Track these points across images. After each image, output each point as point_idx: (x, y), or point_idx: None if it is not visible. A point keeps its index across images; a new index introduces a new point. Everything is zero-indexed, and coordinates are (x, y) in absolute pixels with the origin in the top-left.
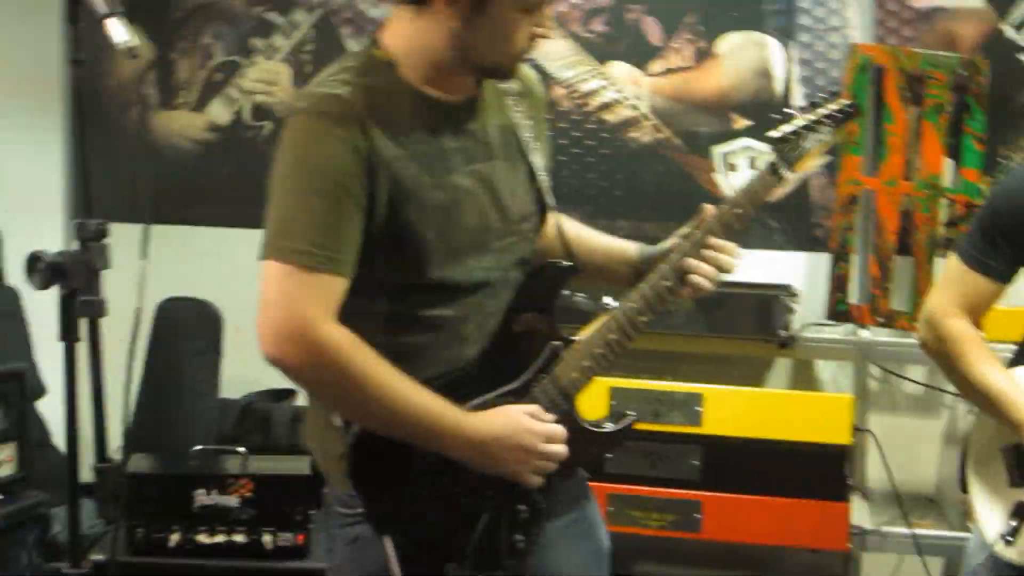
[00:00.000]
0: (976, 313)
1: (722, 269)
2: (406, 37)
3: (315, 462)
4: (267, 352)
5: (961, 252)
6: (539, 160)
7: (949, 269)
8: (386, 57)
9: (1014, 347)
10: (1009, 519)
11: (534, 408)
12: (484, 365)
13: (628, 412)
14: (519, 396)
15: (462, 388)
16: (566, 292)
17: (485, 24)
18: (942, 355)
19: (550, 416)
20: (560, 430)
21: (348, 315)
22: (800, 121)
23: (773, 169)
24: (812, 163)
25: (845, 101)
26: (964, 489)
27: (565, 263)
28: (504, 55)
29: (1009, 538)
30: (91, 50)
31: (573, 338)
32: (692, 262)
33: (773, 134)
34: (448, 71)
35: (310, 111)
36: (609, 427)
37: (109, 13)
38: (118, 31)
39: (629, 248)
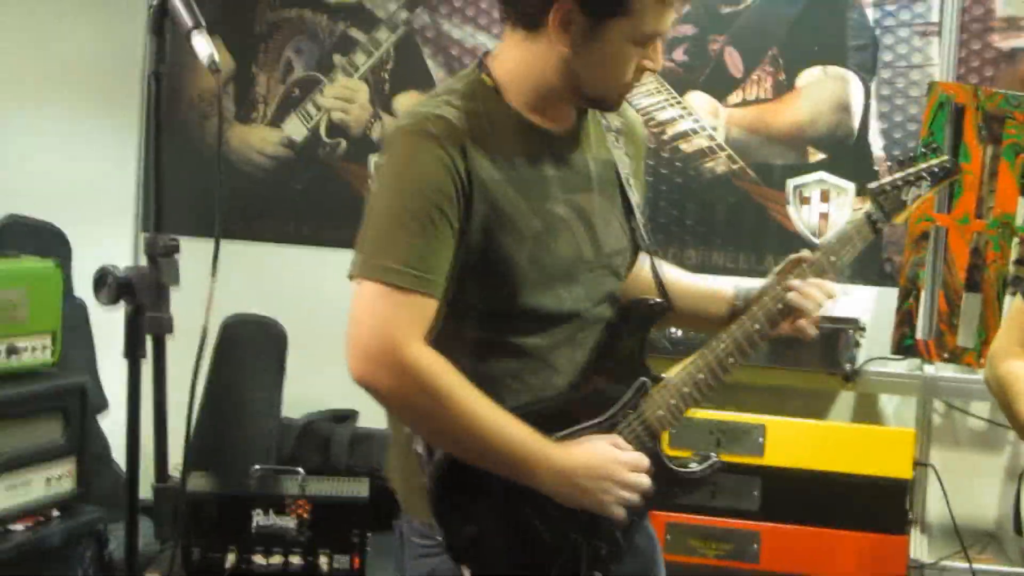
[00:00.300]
0: None
1: (821, 304)
2: (515, 62)
3: (393, 490)
4: (355, 372)
5: (1020, 286)
6: (636, 197)
7: (1012, 309)
8: (492, 82)
9: None
10: None
11: (618, 439)
12: (571, 397)
13: (712, 454)
14: (605, 431)
15: (549, 419)
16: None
17: (596, 52)
18: (999, 396)
19: (631, 449)
20: (644, 460)
21: (438, 339)
22: (900, 174)
23: (869, 219)
24: (907, 216)
25: (945, 157)
26: (1019, 531)
27: (657, 300)
28: (611, 86)
29: None
30: (172, 62)
31: (662, 376)
32: (793, 296)
33: (873, 185)
34: (554, 99)
35: (412, 130)
36: (694, 467)
37: (194, 26)
38: (202, 45)
39: (725, 288)
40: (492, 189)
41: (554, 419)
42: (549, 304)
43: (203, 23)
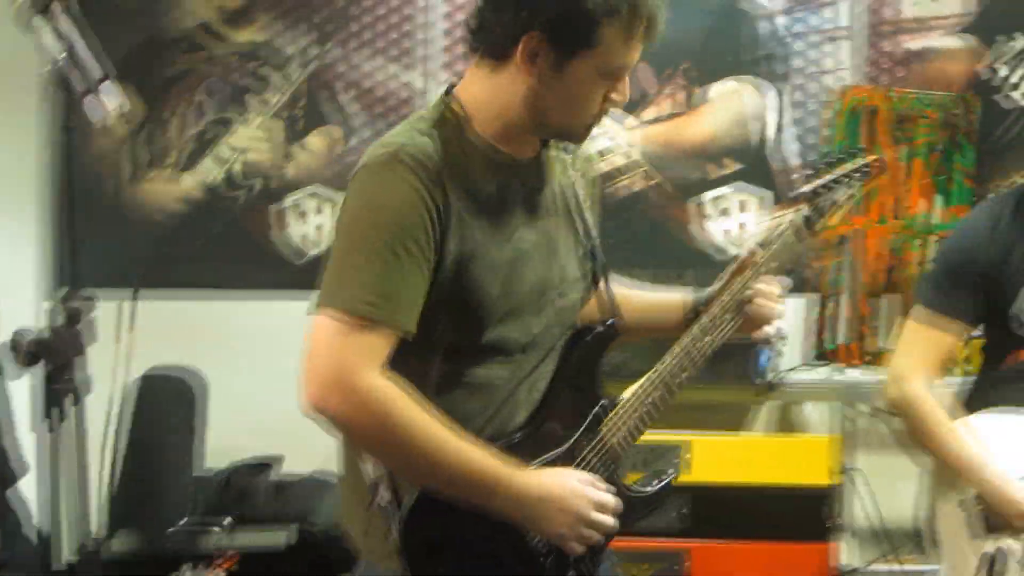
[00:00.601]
0: (941, 365)
1: (774, 310)
2: (482, 93)
3: (349, 536)
4: (310, 400)
5: (925, 300)
6: (592, 220)
7: (911, 326)
8: (461, 112)
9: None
10: (976, 573)
11: (590, 477)
12: (533, 429)
13: (666, 470)
14: (567, 460)
15: (512, 452)
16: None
17: (562, 85)
18: (911, 420)
19: (605, 486)
20: (613, 501)
21: (405, 375)
22: (829, 176)
23: (807, 222)
24: (840, 216)
25: (872, 157)
26: (933, 545)
27: (607, 324)
28: (577, 119)
29: None
30: (79, 116)
31: (617, 398)
32: (754, 307)
33: (805, 188)
34: (520, 129)
35: (386, 160)
36: (652, 488)
37: (102, 77)
38: (110, 94)
39: (676, 298)
40: (465, 220)
41: (519, 452)
42: (515, 335)
43: (110, 73)
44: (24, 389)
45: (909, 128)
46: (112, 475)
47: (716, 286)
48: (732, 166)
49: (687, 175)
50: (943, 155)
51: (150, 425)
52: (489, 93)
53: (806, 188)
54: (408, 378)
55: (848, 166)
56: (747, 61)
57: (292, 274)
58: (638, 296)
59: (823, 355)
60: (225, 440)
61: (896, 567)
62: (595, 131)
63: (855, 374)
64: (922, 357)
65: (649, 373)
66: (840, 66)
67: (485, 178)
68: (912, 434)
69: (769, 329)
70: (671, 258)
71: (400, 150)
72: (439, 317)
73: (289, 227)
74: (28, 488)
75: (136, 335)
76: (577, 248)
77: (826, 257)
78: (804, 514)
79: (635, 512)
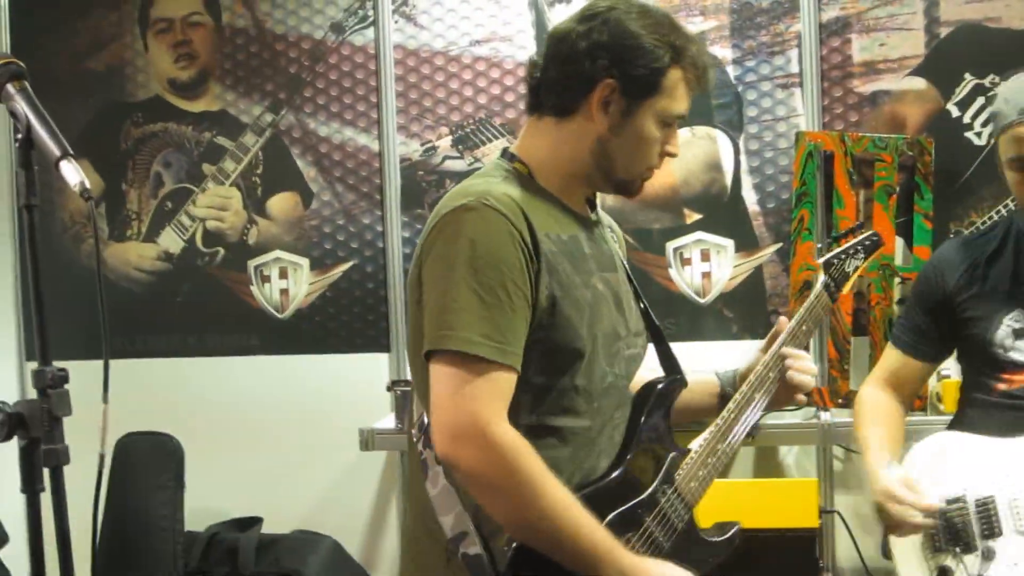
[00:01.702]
0: (903, 389)
1: (812, 375)
2: (544, 148)
3: None
4: (441, 450)
5: (893, 338)
6: (636, 285)
7: (885, 352)
8: (524, 169)
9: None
10: None
11: (687, 572)
12: (616, 477)
13: (733, 521)
14: (648, 507)
15: (599, 499)
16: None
17: (631, 132)
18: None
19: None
20: None
21: None
22: (838, 249)
23: (827, 288)
24: (850, 285)
25: (872, 231)
26: (887, 556)
27: (677, 377)
28: (639, 168)
29: None
30: (41, 187)
31: (687, 448)
32: (792, 374)
33: (822, 259)
34: (578, 184)
35: (474, 206)
36: (725, 535)
37: (62, 156)
38: (71, 174)
39: (710, 378)
40: (552, 260)
41: (604, 499)
42: (596, 379)
43: (70, 151)
44: (12, 455)
45: (866, 172)
46: (95, 539)
47: (751, 358)
48: (692, 216)
49: (649, 226)
50: (901, 197)
51: (131, 489)
52: (553, 147)
53: (823, 259)
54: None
55: (853, 240)
56: (701, 111)
57: (261, 337)
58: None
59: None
60: (203, 505)
61: None
62: None
63: (828, 417)
64: (886, 372)
65: (710, 426)
66: (794, 112)
67: (561, 225)
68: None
69: (802, 397)
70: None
71: (485, 195)
72: (532, 356)
73: (254, 293)
74: (13, 559)
75: (110, 403)
76: (635, 306)
77: (793, 302)
78: (792, 556)
79: (710, 559)
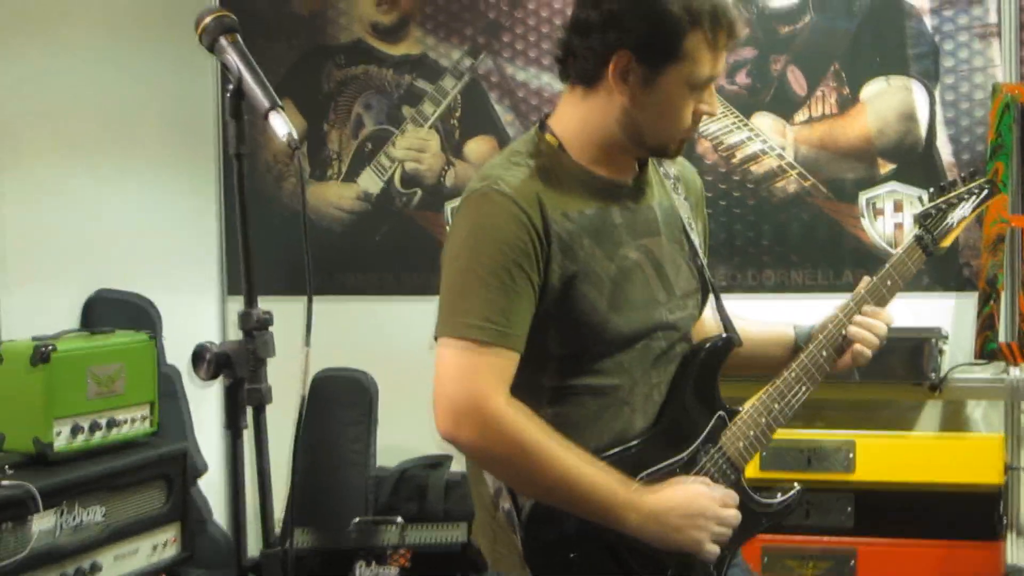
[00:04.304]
0: None
1: (878, 336)
2: (575, 119)
3: (478, 550)
4: (443, 428)
5: None
6: (698, 240)
7: None
8: (555, 141)
9: None
10: None
11: (705, 479)
12: (652, 436)
13: (794, 485)
14: (688, 467)
15: (632, 459)
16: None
17: (654, 100)
18: None
19: (722, 489)
20: (733, 495)
21: (519, 388)
22: (941, 199)
23: (920, 242)
24: (954, 238)
25: (983, 180)
26: None
27: (727, 336)
28: (671, 133)
29: None
30: (248, 143)
31: (738, 408)
32: (852, 329)
33: (918, 211)
34: (616, 151)
35: (484, 190)
36: (778, 499)
37: (271, 107)
38: (280, 125)
39: (785, 330)
40: (568, 239)
41: (638, 459)
42: (627, 346)
43: (279, 103)
44: (204, 393)
45: None
46: (292, 476)
47: (828, 315)
48: (886, 166)
49: (842, 176)
50: None
51: (325, 425)
52: (583, 118)
53: (919, 211)
54: (523, 389)
55: (961, 188)
56: (897, 61)
57: None
58: (749, 326)
59: (987, 354)
60: (395, 442)
61: None
62: (746, 135)
63: (1018, 373)
64: None
65: (768, 386)
66: (991, 64)
67: (585, 200)
68: None
69: (861, 350)
70: (828, 259)
71: (497, 180)
72: (550, 332)
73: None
74: (208, 488)
75: (311, 351)
76: (686, 266)
77: (986, 255)
78: (974, 514)
79: (758, 523)
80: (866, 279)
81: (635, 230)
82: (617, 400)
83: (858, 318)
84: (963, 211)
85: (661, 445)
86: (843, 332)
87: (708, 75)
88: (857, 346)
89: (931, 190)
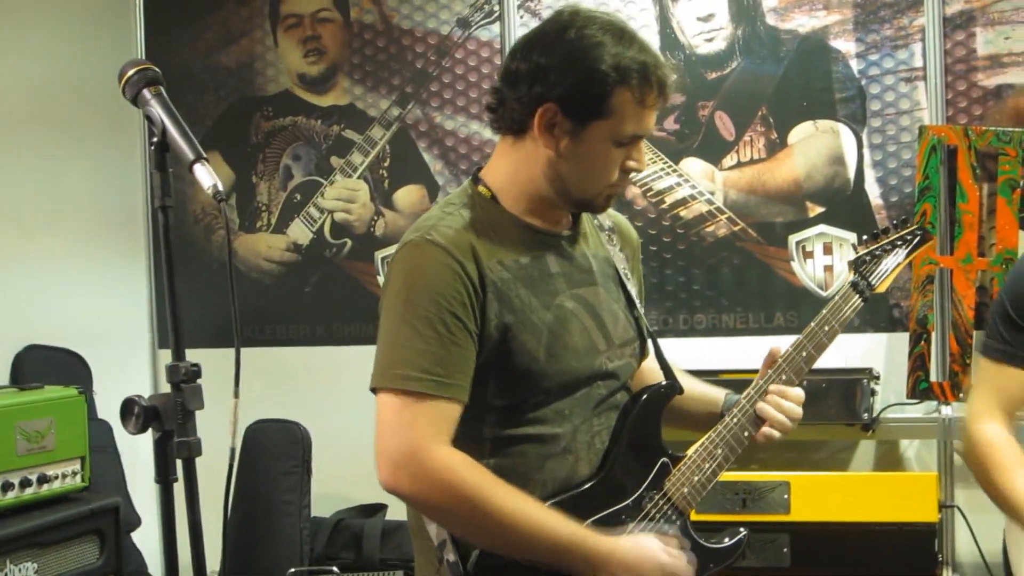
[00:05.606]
0: (1010, 407)
1: (791, 418)
2: (506, 170)
3: None
4: (384, 481)
5: (987, 350)
6: (635, 291)
7: (981, 369)
8: (488, 192)
9: None
10: None
11: (672, 541)
12: (597, 483)
13: (740, 529)
14: (633, 513)
15: (578, 506)
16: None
17: (579, 154)
18: (974, 464)
19: (677, 551)
20: (682, 540)
21: (461, 440)
22: (875, 245)
23: (855, 288)
24: (888, 283)
25: (915, 226)
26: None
27: (668, 383)
28: (596, 187)
29: None
30: (173, 183)
31: (680, 454)
32: (761, 406)
33: (852, 257)
34: (545, 203)
35: (418, 241)
36: (726, 543)
37: (196, 159)
38: (205, 177)
39: (717, 395)
40: (503, 288)
41: (584, 506)
42: (566, 393)
43: (204, 155)
44: (138, 445)
45: (990, 166)
46: (225, 528)
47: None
48: (815, 209)
49: (771, 219)
50: None
51: (259, 476)
52: (514, 169)
53: (853, 257)
54: (465, 441)
55: (894, 235)
56: (824, 105)
57: None
58: (686, 377)
59: (919, 393)
60: (330, 489)
61: None
62: (676, 180)
63: (950, 411)
64: (994, 395)
65: (710, 432)
66: (917, 106)
67: (520, 249)
68: (982, 481)
69: (770, 431)
70: (759, 302)
71: (430, 231)
72: (489, 382)
73: (380, 284)
74: (143, 541)
75: (240, 403)
76: (623, 315)
77: (916, 296)
78: (910, 551)
79: (706, 567)
80: (775, 348)
81: (571, 279)
82: (559, 448)
83: (771, 398)
84: (897, 258)
85: (606, 492)
86: (754, 412)
87: (634, 132)
88: (766, 428)
89: (864, 237)
